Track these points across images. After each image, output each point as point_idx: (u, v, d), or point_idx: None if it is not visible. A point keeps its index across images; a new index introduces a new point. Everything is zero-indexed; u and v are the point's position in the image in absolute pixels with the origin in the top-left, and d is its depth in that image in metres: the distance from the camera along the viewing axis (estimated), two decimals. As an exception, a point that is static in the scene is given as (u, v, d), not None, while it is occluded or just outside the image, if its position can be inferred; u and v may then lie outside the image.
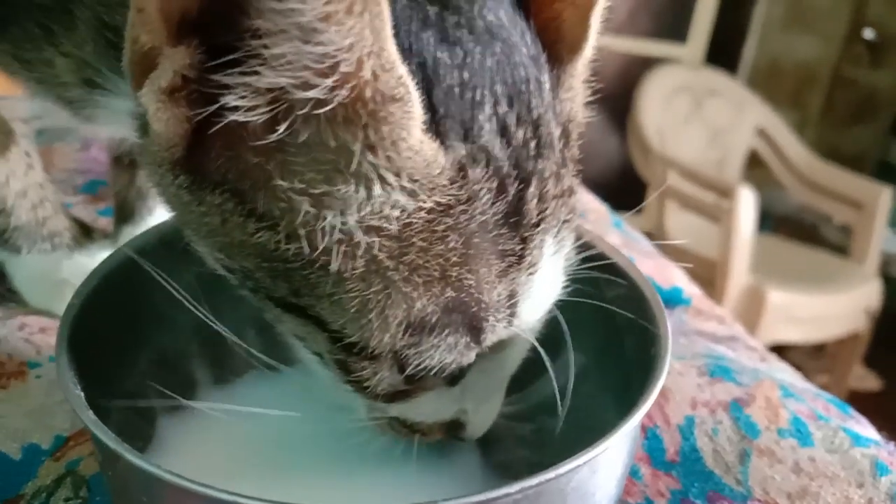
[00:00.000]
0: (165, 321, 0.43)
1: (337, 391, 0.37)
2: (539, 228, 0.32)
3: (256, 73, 0.26)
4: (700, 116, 2.42)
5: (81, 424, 0.46)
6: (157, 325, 0.43)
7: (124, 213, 0.65)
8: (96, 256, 0.59)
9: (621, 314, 0.42)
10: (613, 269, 0.42)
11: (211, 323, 0.37)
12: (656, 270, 0.69)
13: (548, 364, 0.35)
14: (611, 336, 0.43)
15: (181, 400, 0.41)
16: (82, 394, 0.33)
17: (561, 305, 0.37)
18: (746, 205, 1.87)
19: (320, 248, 0.29)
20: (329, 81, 0.26)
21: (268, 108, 0.27)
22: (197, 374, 0.46)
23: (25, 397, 0.49)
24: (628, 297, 0.41)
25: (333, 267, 0.30)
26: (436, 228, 0.30)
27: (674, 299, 0.65)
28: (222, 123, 0.28)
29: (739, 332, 0.65)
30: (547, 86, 0.33)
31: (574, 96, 0.34)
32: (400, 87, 0.27)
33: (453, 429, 0.39)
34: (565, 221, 0.34)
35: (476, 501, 0.29)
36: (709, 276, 1.91)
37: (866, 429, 0.53)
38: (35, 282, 0.58)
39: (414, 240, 0.30)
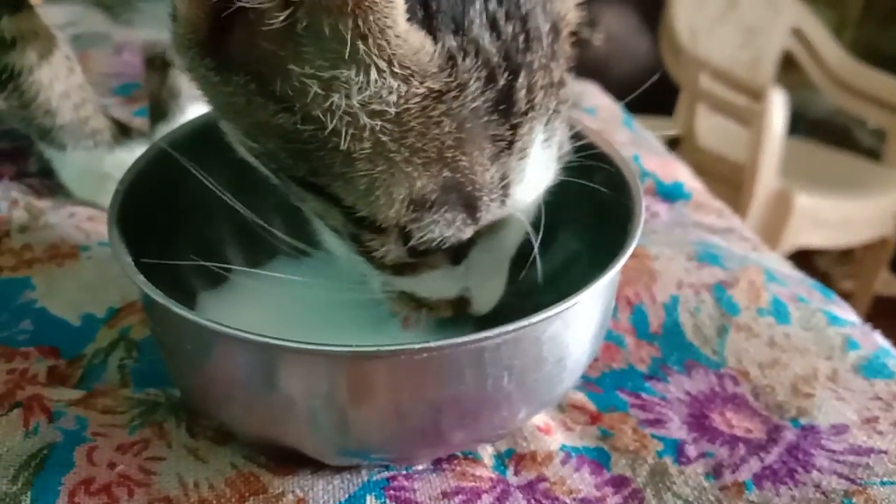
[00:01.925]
0: (201, 210, 0.48)
1: (354, 266, 0.42)
2: (528, 116, 0.36)
3: None
4: (734, 16, 2.37)
5: (131, 298, 0.53)
6: (193, 214, 0.48)
7: (158, 111, 0.69)
8: (135, 151, 0.64)
9: (608, 198, 0.46)
10: (599, 156, 0.46)
11: (238, 208, 0.42)
12: (660, 166, 0.72)
13: (534, 242, 0.39)
14: (600, 221, 0.47)
15: (218, 269, 0.46)
16: (133, 262, 0.38)
17: (557, 193, 0.41)
18: (777, 107, 1.86)
19: (330, 128, 0.34)
20: None
21: None
22: (231, 259, 0.52)
23: (79, 275, 0.55)
24: (613, 181, 0.45)
25: (343, 147, 0.34)
26: (431, 113, 0.34)
27: (675, 193, 0.69)
28: (234, 7, 0.32)
29: (736, 225, 0.69)
30: None
31: None
32: None
33: (460, 305, 0.43)
34: (555, 111, 0.38)
35: (463, 342, 0.34)
36: (737, 180, 1.92)
37: (846, 312, 0.57)
38: (80, 176, 0.64)
39: (412, 123, 0.34)
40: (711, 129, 2.12)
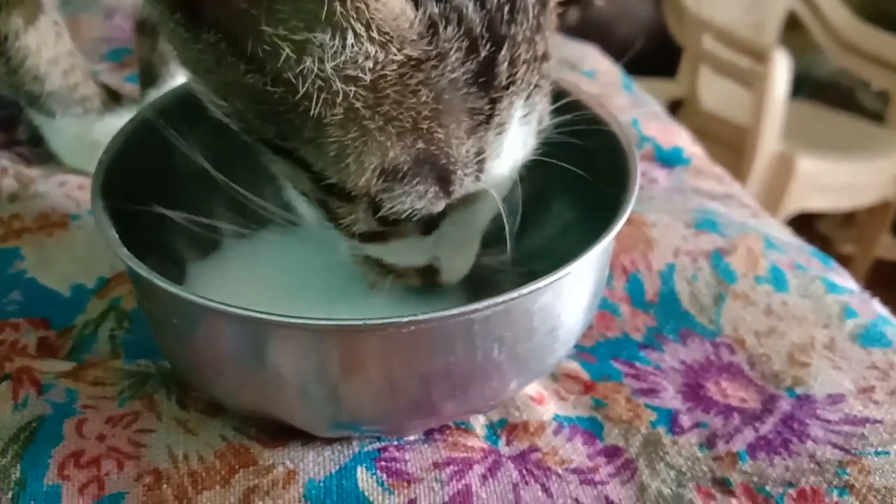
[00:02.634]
0: (189, 178, 0.47)
1: (323, 229, 0.41)
2: (509, 91, 0.35)
3: None
4: (739, -23, 2.33)
5: (121, 268, 0.52)
6: (181, 183, 0.47)
7: (149, 77, 0.68)
8: (125, 118, 0.63)
9: (604, 166, 0.45)
10: (592, 119, 0.45)
11: (220, 180, 0.41)
12: (660, 131, 0.71)
13: (505, 221, 0.38)
14: (595, 188, 0.46)
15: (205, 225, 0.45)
16: (117, 235, 0.38)
17: (549, 161, 0.41)
18: (780, 68, 1.84)
19: (301, 92, 0.32)
20: None
21: None
22: (221, 227, 0.51)
23: (70, 244, 0.54)
24: (609, 147, 0.44)
25: (314, 112, 0.33)
26: (408, 82, 0.33)
27: (674, 159, 0.68)
28: None
29: (736, 191, 0.68)
30: None
31: None
32: None
33: (428, 274, 0.43)
34: (537, 86, 0.37)
35: (451, 314, 0.33)
36: (739, 142, 1.91)
37: (845, 279, 0.57)
38: (70, 143, 0.63)
39: (388, 91, 0.33)
40: (714, 92, 2.10)
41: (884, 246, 2.18)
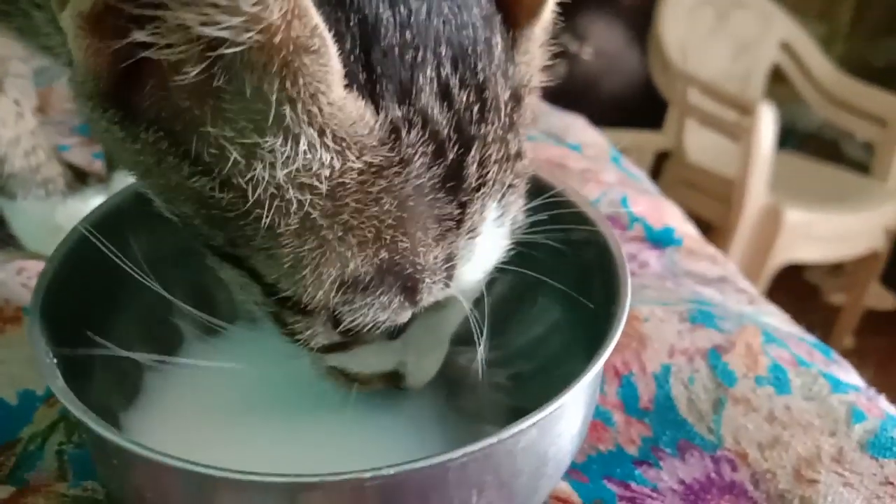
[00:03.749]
0: (145, 284, 0.44)
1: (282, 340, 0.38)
2: (479, 193, 0.32)
3: (166, 6, 0.26)
4: (725, 30, 2.35)
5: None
6: (136, 288, 0.44)
7: (115, 157, 0.65)
8: (90, 201, 0.60)
9: (591, 267, 0.42)
10: (581, 219, 0.42)
11: (155, 288, 0.38)
12: (650, 209, 0.68)
13: (476, 336, 0.35)
14: (581, 286, 0.44)
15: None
16: (54, 361, 0.34)
17: (538, 255, 0.38)
18: (766, 121, 1.84)
19: (252, 199, 0.29)
20: (236, 21, 0.25)
21: (182, 47, 0.27)
22: (183, 328, 0.47)
23: (21, 343, 0.50)
24: (597, 249, 0.41)
25: (266, 220, 0.30)
26: (369, 190, 0.30)
27: (665, 239, 0.65)
28: (135, 59, 0.27)
29: (731, 273, 0.65)
30: (499, 48, 0.32)
31: (530, 60, 0.34)
32: (315, 37, 0.26)
33: (393, 379, 0.40)
34: (511, 186, 0.34)
35: (423, 466, 0.30)
36: (726, 194, 1.90)
37: (849, 374, 0.53)
38: (31, 227, 0.60)
39: (347, 200, 0.30)
40: (700, 144, 2.10)
41: (874, 295, 2.17)
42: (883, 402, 0.51)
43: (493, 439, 0.30)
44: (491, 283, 0.37)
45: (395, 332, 0.37)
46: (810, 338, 0.57)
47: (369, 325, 0.33)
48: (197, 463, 0.29)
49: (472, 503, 0.32)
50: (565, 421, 0.35)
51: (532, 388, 0.45)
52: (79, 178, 0.61)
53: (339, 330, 0.33)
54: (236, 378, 0.44)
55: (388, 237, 0.31)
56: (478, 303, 0.37)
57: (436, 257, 0.32)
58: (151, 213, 0.39)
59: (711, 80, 2.11)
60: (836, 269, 2.23)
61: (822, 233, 1.95)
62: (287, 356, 0.41)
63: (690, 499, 0.42)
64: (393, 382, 0.40)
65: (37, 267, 0.58)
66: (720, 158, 1.99)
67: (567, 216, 0.42)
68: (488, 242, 0.34)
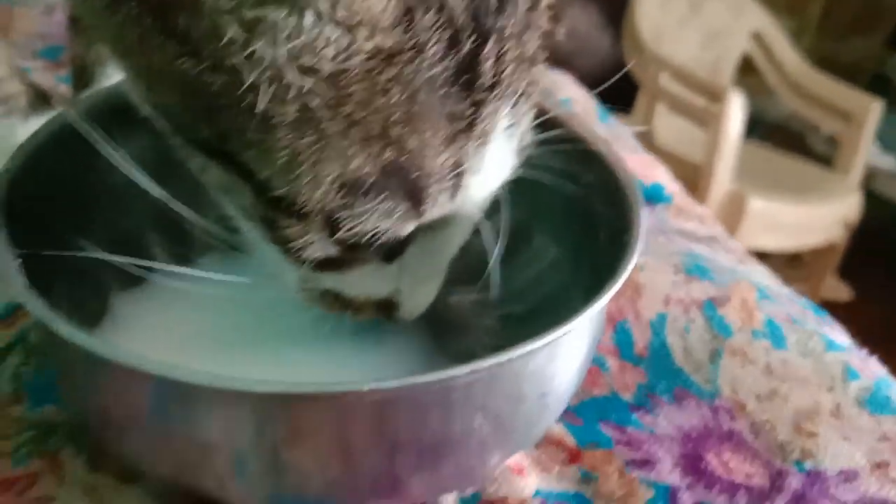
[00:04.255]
0: (117, 194, 0.40)
1: (267, 258, 0.35)
2: (493, 94, 0.29)
3: None
4: (697, 18, 2.35)
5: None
6: (107, 199, 0.41)
7: (82, 78, 0.61)
8: (53, 122, 0.57)
9: (597, 202, 0.40)
10: (591, 155, 0.40)
11: (154, 192, 0.34)
12: (639, 166, 0.66)
13: (489, 249, 0.32)
14: (586, 226, 0.41)
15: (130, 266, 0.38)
16: (19, 261, 0.31)
17: (534, 191, 0.35)
18: (735, 108, 1.85)
19: (246, 84, 0.26)
20: None
21: None
22: (154, 254, 0.44)
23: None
24: (605, 184, 0.39)
25: (261, 109, 0.27)
26: (377, 78, 0.27)
27: (655, 196, 0.63)
28: None
29: (719, 233, 0.63)
30: None
31: None
32: None
33: (386, 308, 0.37)
34: (524, 94, 0.31)
35: (426, 381, 0.27)
36: (692, 180, 1.90)
37: (839, 335, 0.52)
38: None
39: (352, 89, 0.27)
40: (669, 129, 2.10)
41: (830, 287, 2.20)
42: (874, 363, 0.50)
43: (501, 358, 0.28)
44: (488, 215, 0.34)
45: (392, 254, 0.34)
46: (801, 298, 0.56)
47: (369, 234, 0.30)
48: (183, 368, 0.26)
49: (475, 426, 0.30)
50: (571, 350, 0.33)
51: (523, 330, 0.43)
52: (42, 100, 0.57)
53: (335, 238, 0.30)
54: (209, 303, 0.41)
55: (394, 134, 0.28)
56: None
57: (444, 163, 0.29)
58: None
59: (683, 65, 2.11)
60: (793, 260, 2.26)
61: (784, 222, 1.97)
62: (266, 285, 0.38)
63: (689, 446, 0.40)
64: (386, 311, 0.37)
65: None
66: (687, 144, 1.99)
67: (572, 148, 0.39)
68: (498, 154, 0.32)
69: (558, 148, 0.37)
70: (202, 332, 0.39)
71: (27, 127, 0.55)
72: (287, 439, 0.29)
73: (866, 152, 2.15)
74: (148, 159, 0.36)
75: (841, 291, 2.27)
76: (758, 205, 1.86)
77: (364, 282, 0.35)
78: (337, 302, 0.36)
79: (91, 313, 0.40)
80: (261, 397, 0.27)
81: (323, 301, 0.36)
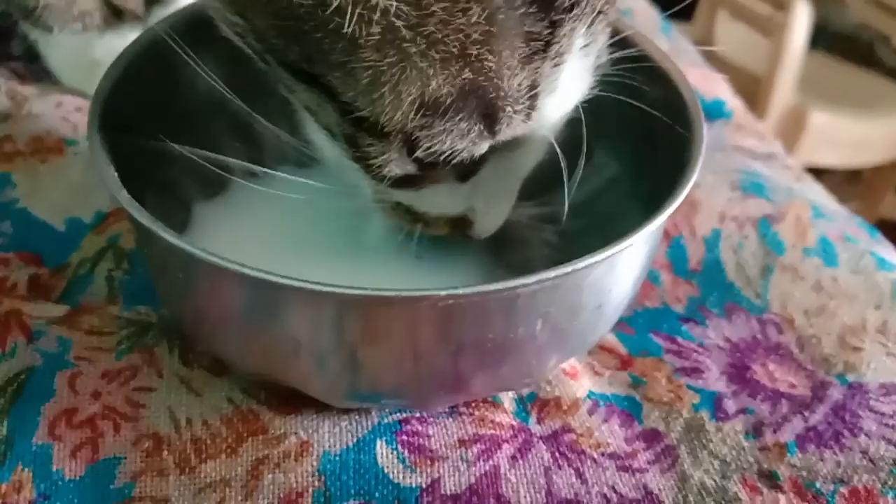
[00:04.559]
0: (196, 110, 0.43)
1: (346, 171, 0.37)
2: (571, 14, 0.30)
3: None
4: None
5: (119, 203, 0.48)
6: (188, 115, 0.43)
7: None
8: (128, 37, 0.58)
9: (659, 120, 0.41)
10: (656, 72, 0.41)
11: (243, 110, 0.37)
12: (700, 80, 0.66)
13: (563, 167, 0.34)
14: (646, 142, 0.42)
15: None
16: (116, 174, 0.34)
17: (596, 106, 0.36)
18: (801, 18, 1.78)
19: (334, 5, 0.28)
20: None
21: None
22: (231, 165, 0.47)
23: (65, 173, 0.50)
24: (668, 101, 0.40)
25: (347, 31, 0.28)
26: None
27: (715, 112, 0.63)
28: None
29: (778, 150, 0.63)
30: None
31: None
32: None
33: (460, 225, 0.39)
34: (600, 13, 0.32)
35: (496, 289, 0.30)
36: (752, 92, 1.85)
37: (891, 253, 0.53)
38: (68, 62, 0.58)
39: (434, 8, 0.28)
40: (730, 38, 2.04)
41: (888, 205, 2.16)
42: (925, 282, 0.51)
43: (565, 269, 0.30)
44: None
45: (467, 174, 0.36)
46: (856, 217, 0.56)
47: (446, 154, 0.31)
48: (274, 273, 0.28)
49: (536, 331, 0.32)
50: (629, 263, 0.35)
51: (581, 245, 0.45)
52: (115, 14, 0.59)
53: (414, 157, 0.32)
54: (287, 210, 0.43)
55: (473, 54, 0.29)
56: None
57: (520, 83, 0.31)
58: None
59: (749, -30, 2.03)
60: (853, 177, 2.21)
61: (846, 138, 1.92)
62: (340, 195, 0.40)
63: (737, 356, 0.42)
64: (460, 228, 0.39)
65: (75, 102, 0.57)
66: (750, 53, 1.93)
67: (636, 65, 0.40)
68: (573, 74, 0.33)
69: (624, 65, 0.38)
70: (280, 239, 0.42)
71: (103, 42, 0.57)
72: (364, 339, 0.32)
73: (939, 64, 2.06)
74: (223, 77, 0.38)
75: (900, 209, 2.22)
76: (820, 119, 1.81)
77: (439, 199, 0.37)
78: (411, 217, 0.38)
79: (178, 223, 0.43)
80: (344, 299, 0.29)
81: (397, 215, 0.38)
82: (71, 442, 0.35)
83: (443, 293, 0.29)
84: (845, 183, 2.21)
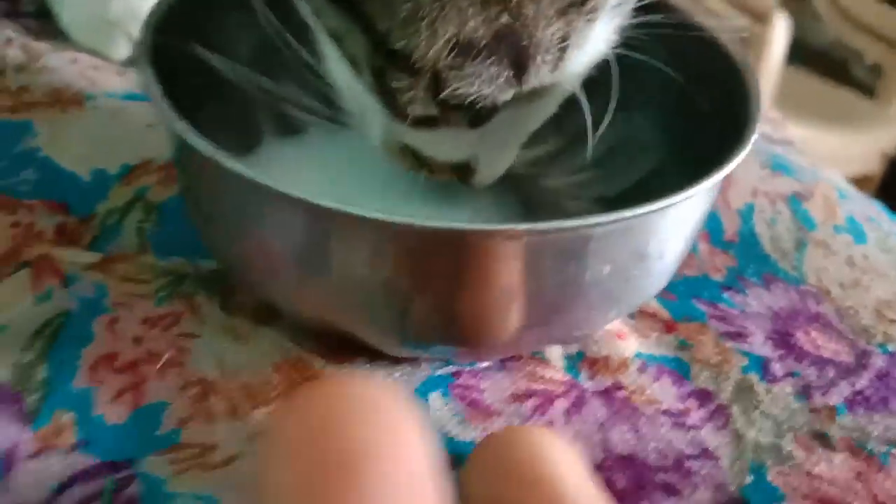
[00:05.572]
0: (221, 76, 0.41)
1: (358, 106, 0.36)
2: None
3: None
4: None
5: (148, 155, 0.47)
6: (214, 79, 0.42)
7: None
8: (147, -2, 0.57)
9: (701, 90, 0.41)
10: (700, 41, 0.41)
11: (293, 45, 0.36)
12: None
13: (587, 115, 0.34)
14: (686, 114, 0.43)
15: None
16: (170, 104, 0.32)
17: (636, 74, 0.36)
18: (780, 31, 1.81)
19: None
20: None
21: None
22: (262, 126, 0.46)
23: (86, 125, 0.48)
24: (710, 72, 0.40)
25: None
26: None
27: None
28: None
29: (792, 137, 0.64)
30: None
31: None
32: None
33: (461, 172, 0.38)
34: None
35: (571, 226, 0.29)
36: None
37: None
38: (82, 20, 0.56)
39: None
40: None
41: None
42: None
43: (643, 209, 0.30)
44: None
45: (478, 121, 0.35)
46: (875, 201, 0.57)
47: (472, 97, 0.31)
48: (334, 202, 0.27)
49: (602, 277, 0.32)
50: (691, 214, 0.35)
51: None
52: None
53: (439, 98, 0.31)
54: (326, 166, 0.43)
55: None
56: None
57: (553, 34, 0.30)
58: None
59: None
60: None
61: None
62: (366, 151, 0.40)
63: (779, 323, 0.42)
64: (462, 175, 0.38)
65: (90, 60, 0.55)
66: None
67: (675, 33, 0.40)
68: (602, 30, 0.32)
69: (663, 32, 0.38)
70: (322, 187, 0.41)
71: (120, 2, 0.56)
72: (427, 277, 0.31)
73: (910, 82, 2.11)
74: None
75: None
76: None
77: (447, 144, 0.36)
78: (415, 160, 0.37)
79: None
80: (421, 232, 0.28)
81: (401, 157, 0.37)
82: (113, 387, 0.34)
83: (521, 227, 0.28)
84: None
